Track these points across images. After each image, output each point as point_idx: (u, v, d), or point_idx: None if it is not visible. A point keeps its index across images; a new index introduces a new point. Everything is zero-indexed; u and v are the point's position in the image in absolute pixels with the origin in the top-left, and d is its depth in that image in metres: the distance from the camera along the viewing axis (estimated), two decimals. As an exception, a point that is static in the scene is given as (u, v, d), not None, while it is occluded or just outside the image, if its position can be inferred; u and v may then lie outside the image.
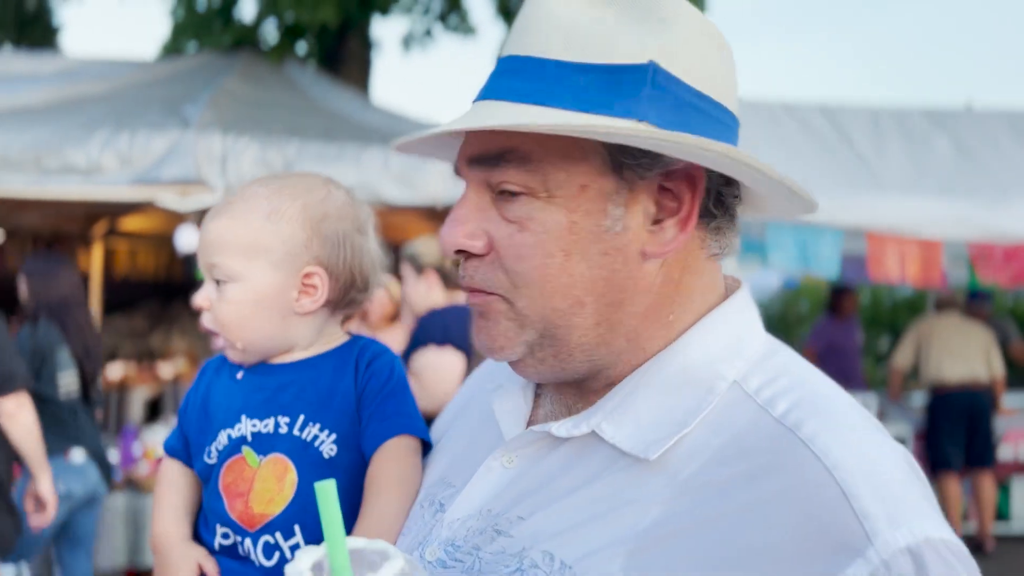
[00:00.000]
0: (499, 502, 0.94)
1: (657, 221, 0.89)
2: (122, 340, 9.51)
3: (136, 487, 4.72)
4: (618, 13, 0.88)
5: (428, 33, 10.70)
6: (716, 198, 0.91)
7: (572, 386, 0.97)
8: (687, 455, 0.85)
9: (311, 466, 1.18)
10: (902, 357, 7.42)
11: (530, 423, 1.00)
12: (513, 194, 0.89)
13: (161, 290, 10.38)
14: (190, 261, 5.92)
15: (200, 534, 1.25)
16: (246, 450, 1.21)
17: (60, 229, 8.92)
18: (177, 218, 7.06)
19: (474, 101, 0.92)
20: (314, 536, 1.11)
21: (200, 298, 1.24)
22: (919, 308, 13.71)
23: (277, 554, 1.17)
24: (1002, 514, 7.34)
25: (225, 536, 1.20)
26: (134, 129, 5.34)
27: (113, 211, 8.03)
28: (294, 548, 1.16)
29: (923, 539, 0.75)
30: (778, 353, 0.94)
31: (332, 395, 1.21)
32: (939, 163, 6.44)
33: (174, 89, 6.44)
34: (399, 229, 6.42)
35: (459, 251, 0.93)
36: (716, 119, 0.89)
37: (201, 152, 5.28)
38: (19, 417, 3.47)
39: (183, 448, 1.30)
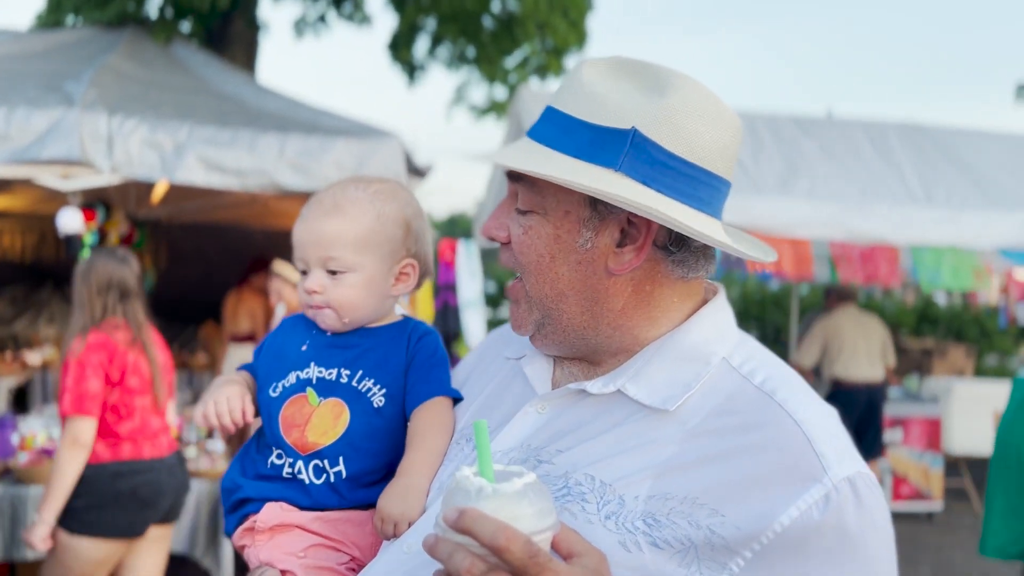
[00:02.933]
0: (537, 438, 1.22)
1: (621, 245, 1.18)
2: (-18, 326, 8.97)
3: (16, 478, 4.53)
4: (630, 82, 1.17)
5: (322, 19, 10.55)
6: (676, 238, 1.18)
7: (577, 361, 1.29)
8: (692, 409, 1.16)
9: (362, 412, 1.44)
10: (807, 357, 7.80)
11: (553, 383, 1.31)
12: (524, 209, 1.22)
13: (28, 273, 9.83)
14: (71, 243, 5.65)
15: (247, 455, 1.51)
16: (310, 391, 1.47)
17: (-86, 206, 8.32)
18: (52, 197, 6.74)
19: (527, 132, 1.24)
20: (355, 466, 1.42)
21: (313, 284, 1.46)
22: (784, 303, 14.59)
23: (324, 476, 1.42)
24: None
25: (279, 456, 1.44)
26: (12, 103, 5.07)
27: (-25, 188, 7.56)
28: (337, 474, 1.41)
29: (856, 472, 1.08)
30: (748, 339, 1.27)
31: (387, 359, 1.48)
32: (807, 167, 6.91)
33: (54, 64, 6.13)
34: (293, 216, 6.36)
35: (491, 238, 1.27)
36: (687, 176, 1.15)
37: (86, 132, 5.07)
38: None
39: (253, 369, 1.59)
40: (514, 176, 1.22)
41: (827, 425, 1.13)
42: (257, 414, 1.52)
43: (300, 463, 1.42)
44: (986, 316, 14.03)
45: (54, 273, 9.93)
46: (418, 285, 1.58)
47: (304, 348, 1.51)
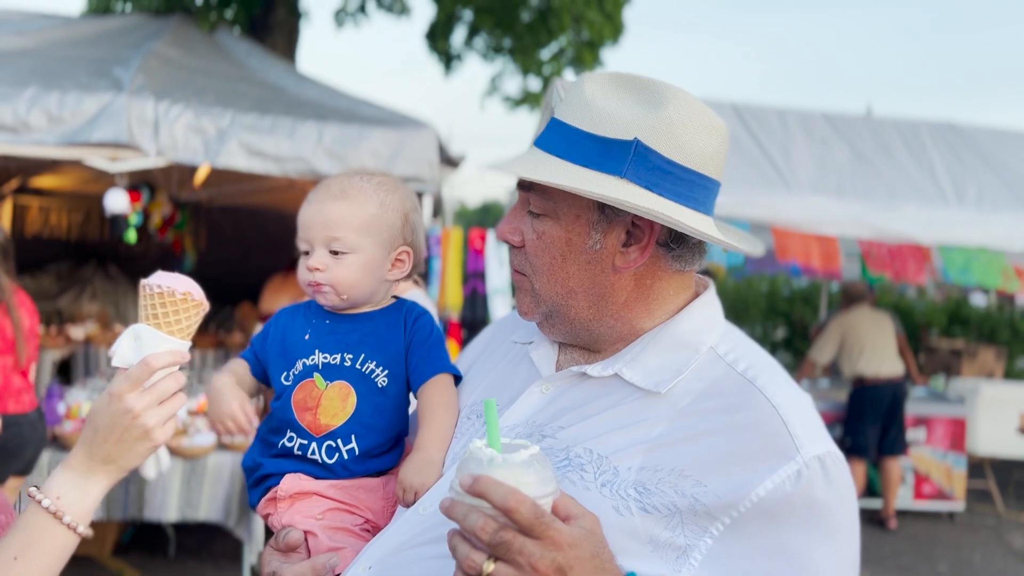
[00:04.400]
0: (541, 415, 1.35)
1: (627, 245, 1.30)
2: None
3: (61, 444, 4.76)
4: (630, 96, 1.29)
5: (362, 9, 10.71)
6: (676, 236, 1.30)
7: (579, 348, 1.42)
8: (682, 392, 1.29)
9: (368, 392, 1.57)
10: (823, 354, 7.87)
11: (557, 366, 1.44)
12: (537, 214, 1.33)
13: (73, 250, 10.14)
14: (116, 222, 5.88)
15: (265, 437, 1.63)
16: (317, 376, 1.58)
17: (-33, 184, 8.63)
18: (97, 178, 6.98)
19: (534, 143, 1.35)
20: (365, 442, 1.55)
21: (316, 262, 1.58)
22: (814, 299, 14.53)
23: (336, 455, 1.55)
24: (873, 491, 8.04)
25: (290, 439, 1.57)
26: (64, 88, 5.28)
27: (25, 167, 7.85)
28: (350, 451, 1.54)
29: (825, 451, 1.21)
30: (733, 330, 1.40)
31: (386, 342, 1.61)
32: (838, 165, 6.93)
33: (103, 49, 6.35)
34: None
35: (506, 241, 1.40)
36: (684, 180, 1.28)
37: (134, 116, 5.28)
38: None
39: (252, 357, 1.70)
40: (525, 184, 1.34)
41: (800, 409, 1.25)
42: (265, 409, 1.66)
43: (314, 444, 1.54)
44: (1020, 318, 13.87)
45: (98, 251, 10.25)
46: (408, 274, 1.71)
47: (307, 337, 1.62)
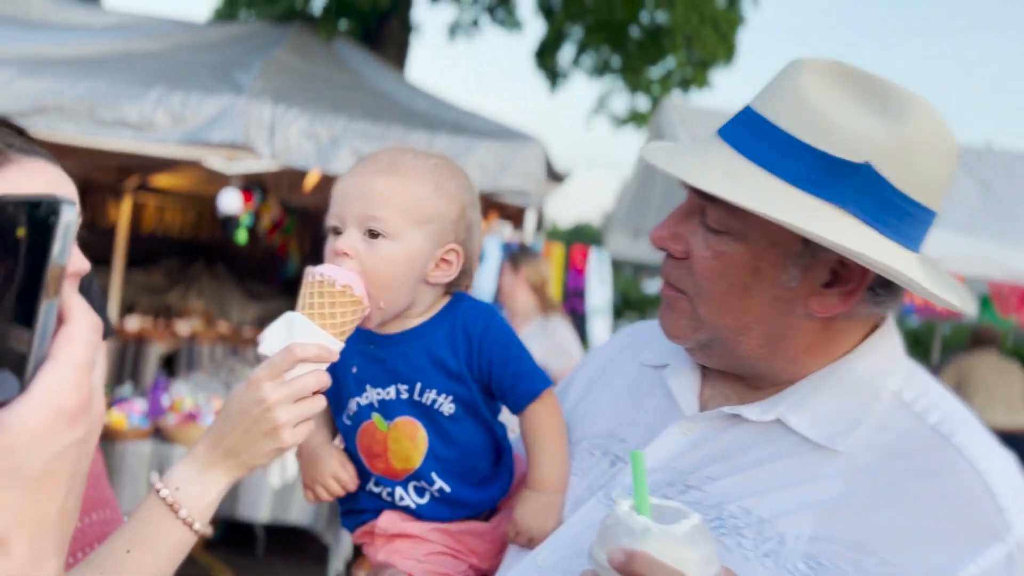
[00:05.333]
0: (683, 461, 1.15)
1: (827, 285, 1.08)
2: (140, 294, 9.65)
3: (163, 436, 4.86)
4: (857, 99, 1.05)
5: (475, 23, 10.82)
6: (886, 282, 1.07)
7: (732, 378, 1.20)
8: (862, 447, 1.07)
9: (436, 424, 1.34)
10: None
11: (701, 401, 1.22)
12: (717, 230, 1.10)
13: (184, 248, 10.50)
14: (228, 223, 6.02)
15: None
16: (375, 416, 1.36)
17: (92, 179, 9.04)
18: (211, 179, 7.18)
19: (718, 132, 1.12)
20: (451, 477, 1.33)
21: (346, 243, 1.27)
22: (925, 341, 13.80)
23: (427, 495, 1.36)
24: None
25: (376, 484, 1.38)
26: (187, 89, 5.45)
27: (146, 166, 8.15)
28: (439, 490, 1.35)
29: None
30: (917, 371, 1.16)
31: (444, 363, 1.33)
32: (964, 200, 6.53)
33: (226, 54, 6.54)
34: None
35: (662, 247, 1.15)
36: (909, 215, 1.05)
37: (251, 118, 5.39)
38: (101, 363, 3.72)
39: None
40: (701, 193, 1.10)
41: (1008, 474, 1.06)
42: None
43: (399, 489, 1.36)
44: None
45: (207, 250, 10.57)
46: (455, 282, 1.38)
47: (354, 370, 1.37)
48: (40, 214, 0.65)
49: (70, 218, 0.65)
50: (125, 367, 8.05)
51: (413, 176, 1.31)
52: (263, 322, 9.55)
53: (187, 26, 7.64)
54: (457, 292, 1.41)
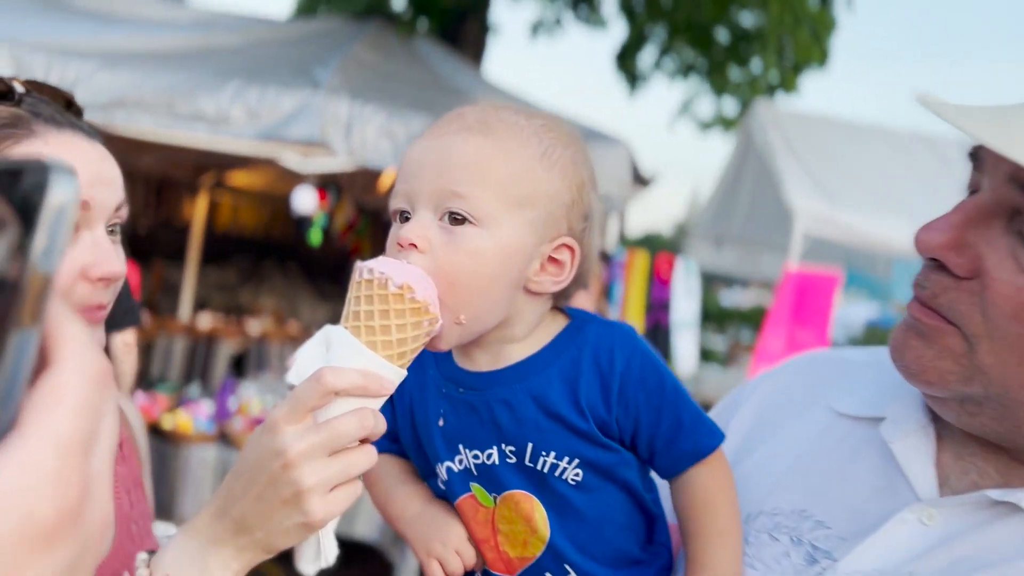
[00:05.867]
0: (925, 566, 0.83)
1: None
2: (213, 292, 9.65)
3: (228, 441, 4.69)
4: None
5: (558, 21, 10.56)
6: None
7: (994, 449, 0.87)
8: None
9: (559, 498, 0.99)
10: None
11: (940, 475, 0.89)
12: None
13: (257, 247, 10.49)
14: (302, 223, 5.88)
15: None
16: (476, 488, 1.02)
17: (169, 176, 9.07)
18: (285, 178, 7.07)
19: None
20: (588, 563, 0.99)
21: (413, 231, 0.92)
22: None
23: None
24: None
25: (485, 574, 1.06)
26: (265, 84, 5.32)
27: (221, 164, 8.11)
28: None
29: None
30: None
31: (564, 416, 0.97)
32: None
33: (305, 50, 6.41)
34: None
35: (935, 258, 0.80)
36: None
37: (328, 115, 5.23)
38: (134, 349, 3.64)
39: (396, 445, 1.12)
40: (1020, 183, 0.77)
41: None
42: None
43: None
44: None
45: (279, 249, 10.55)
46: (564, 292, 1.02)
47: (441, 422, 1.02)
48: (20, 190, 0.40)
49: (65, 198, 0.40)
50: (195, 365, 8.00)
51: (512, 139, 0.95)
52: (333, 323, 9.39)
53: (267, 22, 7.56)
54: (577, 311, 1.05)
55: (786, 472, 0.99)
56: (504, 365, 1.00)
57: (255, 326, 8.44)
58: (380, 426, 0.87)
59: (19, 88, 1.00)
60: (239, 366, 8.14)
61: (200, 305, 9.02)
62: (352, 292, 0.89)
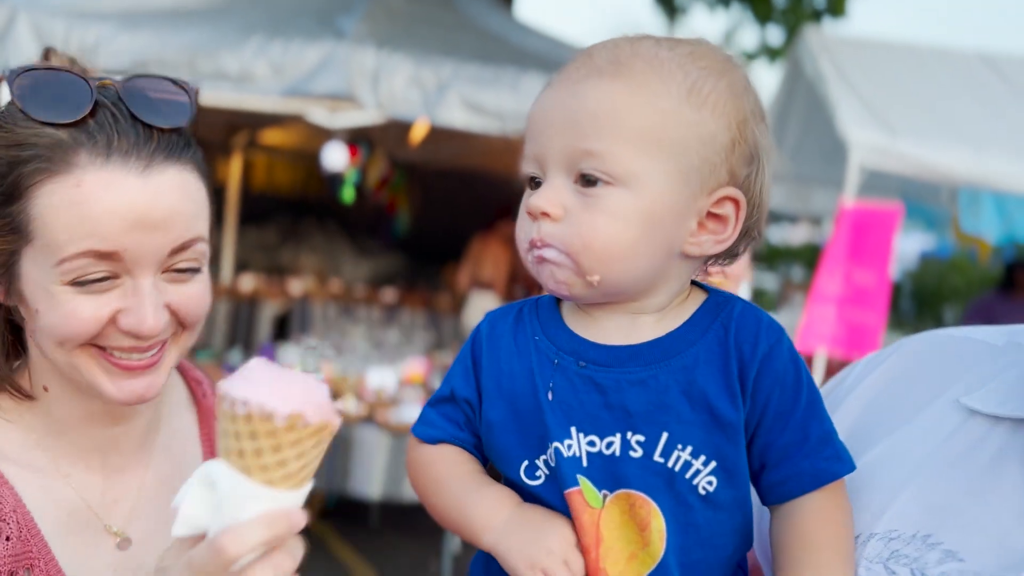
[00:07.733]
0: None
1: None
2: (253, 253, 9.59)
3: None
4: None
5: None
6: None
7: None
8: None
9: (682, 508, 0.84)
10: None
11: None
12: None
13: (295, 206, 10.39)
14: (333, 180, 5.72)
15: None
16: (583, 482, 0.85)
17: (201, 137, 8.96)
18: (319, 135, 6.92)
19: None
20: None
21: (547, 200, 0.82)
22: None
23: None
24: None
25: None
26: (288, 37, 5.13)
27: (254, 122, 7.97)
28: None
29: None
30: None
31: (713, 402, 0.83)
32: None
33: (329, -2, 6.18)
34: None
35: None
36: None
37: (354, 66, 5.04)
38: None
39: (464, 432, 0.94)
40: None
41: None
42: None
43: None
44: None
45: (317, 207, 10.44)
46: (736, 248, 0.89)
47: (550, 396, 0.87)
48: None
49: None
50: (239, 329, 7.98)
51: (651, 77, 0.82)
52: (375, 280, 9.39)
53: (288, -28, 7.30)
54: (715, 290, 0.90)
55: (904, 484, 0.80)
56: (640, 340, 0.86)
57: (297, 286, 8.39)
58: (297, 553, 0.79)
59: (100, 97, 0.93)
60: (282, 327, 8.11)
61: (241, 267, 8.97)
62: (228, 425, 0.77)
